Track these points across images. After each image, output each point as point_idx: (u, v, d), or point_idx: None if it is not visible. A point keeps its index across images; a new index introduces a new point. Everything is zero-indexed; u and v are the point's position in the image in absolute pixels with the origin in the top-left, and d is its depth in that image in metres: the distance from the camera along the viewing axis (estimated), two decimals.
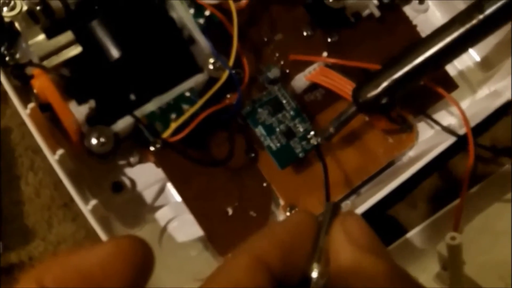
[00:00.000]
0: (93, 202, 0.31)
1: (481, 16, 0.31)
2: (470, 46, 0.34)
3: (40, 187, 0.38)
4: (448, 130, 0.37)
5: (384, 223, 0.39)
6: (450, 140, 0.36)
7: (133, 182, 0.34)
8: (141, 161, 0.34)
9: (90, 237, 0.35)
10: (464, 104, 0.40)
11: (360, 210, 0.33)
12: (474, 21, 0.32)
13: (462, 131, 0.36)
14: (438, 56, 0.33)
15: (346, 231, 0.18)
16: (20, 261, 0.37)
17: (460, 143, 0.36)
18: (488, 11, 0.31)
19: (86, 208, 0.30)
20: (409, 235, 0.37)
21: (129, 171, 0.34)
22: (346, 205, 0.36)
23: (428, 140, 0.38)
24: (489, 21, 0.32)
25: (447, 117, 0.39)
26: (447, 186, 0.39)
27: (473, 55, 0.42)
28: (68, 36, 0.30)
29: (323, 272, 0.17)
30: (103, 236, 0.30)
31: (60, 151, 0.31)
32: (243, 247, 0.17)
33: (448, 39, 0.32)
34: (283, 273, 0.17)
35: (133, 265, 0.15)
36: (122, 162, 0.34)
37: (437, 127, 0.38)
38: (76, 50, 0.30)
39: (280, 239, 0.17)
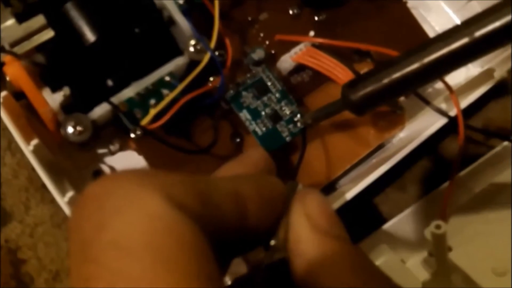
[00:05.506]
0: (70, 193, 0.29)
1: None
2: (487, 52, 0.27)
3: (18, 168, 0.37)
4: (439, 110, 0.36)
5: (374, 206, 0.38)
6: (441, 121, 0.35)
7: (114, 170, 0.33)
8: (122, 148, 0.33)
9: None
10: (455, 81, 0.38)
11: (350, 195, 0.33)
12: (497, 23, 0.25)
13: (453, 112, 0.35)
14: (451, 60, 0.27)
15: (307, 213, 0.18)
16: None
17: (452, 125, 0.35)
18: None
19: (62, 200, 0.29)
20: (398, 218, 0.37)
21: (110, 160, 0.33)
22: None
23: (419, 122, 0.37)
24: None
25: (437, 97, 0.38)
26: (437, 168, 0.39)
27: None
28: (39, 20, 0.28)
29: (279, 247, 0.18)
30: None
31: (34, 141, 0.30)
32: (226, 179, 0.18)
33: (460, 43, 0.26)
34: (259, 219, 0.17)
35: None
36: (102, 150, 0.33)
37: (428, 108, 0.37)
38: (48, 34, 0.28)
39: (261, 191, 0.18)
